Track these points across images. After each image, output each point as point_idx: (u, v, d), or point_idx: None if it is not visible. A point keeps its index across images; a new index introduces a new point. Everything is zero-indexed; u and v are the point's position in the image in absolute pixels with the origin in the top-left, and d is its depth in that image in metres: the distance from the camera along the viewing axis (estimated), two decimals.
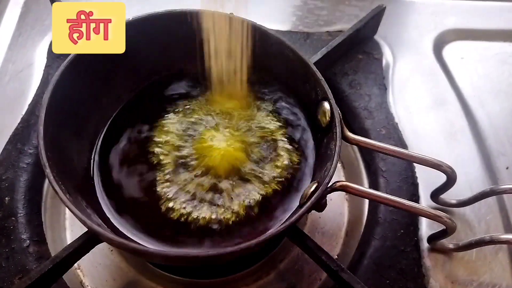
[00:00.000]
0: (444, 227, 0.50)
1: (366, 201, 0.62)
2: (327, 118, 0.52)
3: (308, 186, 0.51)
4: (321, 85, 0.52)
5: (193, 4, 0.57)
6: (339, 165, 0.67)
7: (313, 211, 0.62)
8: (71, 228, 0.60)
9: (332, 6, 0.79)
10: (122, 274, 0.57)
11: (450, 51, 0.76)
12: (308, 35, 0.74)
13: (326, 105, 0.52)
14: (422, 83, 0.71)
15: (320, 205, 0.48)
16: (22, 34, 0.72)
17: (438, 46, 0.76)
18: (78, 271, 0.57)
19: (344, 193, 0.64)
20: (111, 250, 0.59)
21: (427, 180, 0.60)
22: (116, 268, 0.58)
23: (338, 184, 0.47)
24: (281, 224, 0.44)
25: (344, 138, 0.51)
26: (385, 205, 0.49)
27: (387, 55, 0.73)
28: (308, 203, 0.45)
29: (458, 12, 0.79)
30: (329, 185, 0.47)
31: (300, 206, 0.51)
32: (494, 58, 0.75)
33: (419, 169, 0.61)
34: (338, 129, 0.49)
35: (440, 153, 0.63)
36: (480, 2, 0.81)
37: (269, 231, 0.47)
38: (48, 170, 0.43)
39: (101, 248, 0.58)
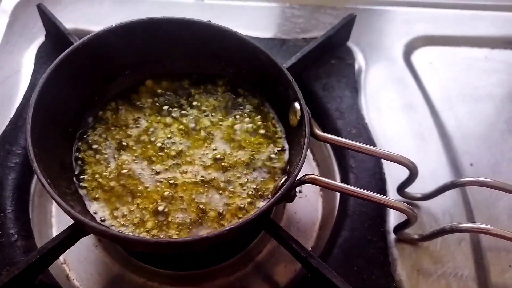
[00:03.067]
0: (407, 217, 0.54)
1: (338, 196, 0.65)
2: (298, 117, 0.55)
3: (279, 179, 0.54)
4: (292, 87, 0.56)
5: (172, 13, 0.61)
6: (314, 163, 0.71)
7: (288, 208, 0.66)
8: (57, 225, 0.63)
9: (308, 15, 0.83)
10: (107, 268, 0.60)
11: (419, 56, 0.80)
12: (284, 41, 0.78)
13: (297, 105, 0.55)
14: (393, 86, 0.75)
15: (289, 196, 0.51)
16: (10, 41, 0.75)
17: (408, 52, 0.80)
18: (64, 265, 0.60)
19: (318, 189, 0.68)
20: (96, 246, 0.61)
21: (395, 176, 0.64)
22: (101, 263, 0.60)
23: (307, 177, 0.51)
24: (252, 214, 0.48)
25: (314, 135, 0.55)
26: (350, 195, 0.53)
27: (360, 60, 0.77)
28: (278, 194, 0.48)
29: (427, 20, 0.84)
30: (298, 178, 0.50)
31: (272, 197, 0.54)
32: (461, 63, 0.80)
33: (387, 166, 0.65)
34: (307, 127, 0.53)
35: (408, 151, 0.66)
36: (448, 10, 0.85)
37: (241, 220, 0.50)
38: (35, 165, 0.46)
39: (87, 244, 0.61)
